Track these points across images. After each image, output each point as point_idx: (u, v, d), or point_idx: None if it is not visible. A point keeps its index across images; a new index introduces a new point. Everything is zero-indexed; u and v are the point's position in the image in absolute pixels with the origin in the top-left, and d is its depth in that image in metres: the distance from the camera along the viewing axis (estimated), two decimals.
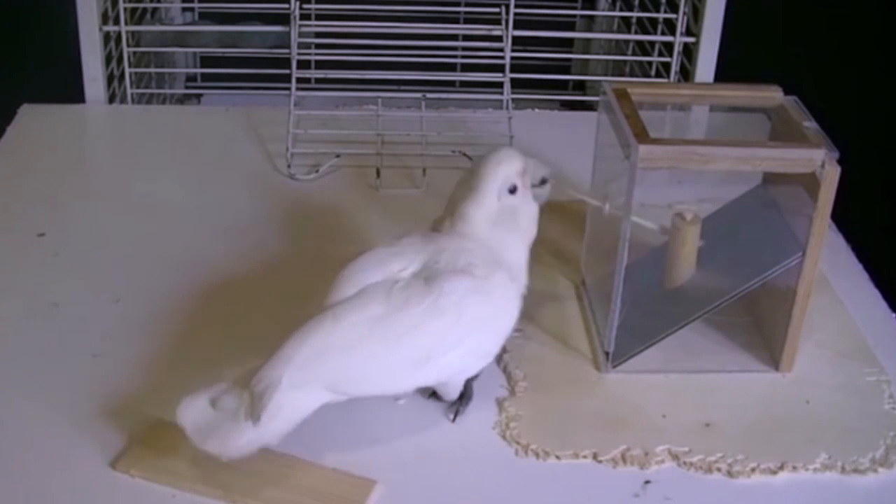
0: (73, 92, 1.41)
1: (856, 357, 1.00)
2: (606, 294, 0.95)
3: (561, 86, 1.72)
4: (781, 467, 0.87)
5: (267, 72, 1.49)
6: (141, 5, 1.52)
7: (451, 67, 1.57)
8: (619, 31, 1.67)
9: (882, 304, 1.08)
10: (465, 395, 0.92)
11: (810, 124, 0.94)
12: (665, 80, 1.46)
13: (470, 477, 0.86)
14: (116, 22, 1.42)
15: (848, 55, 1.73)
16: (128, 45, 1.44)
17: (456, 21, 1.68)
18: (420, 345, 0.85)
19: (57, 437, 0.87)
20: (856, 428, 0.92)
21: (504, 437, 0.89)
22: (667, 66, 1.47)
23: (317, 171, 1.27)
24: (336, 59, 1.45)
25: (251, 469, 0.83)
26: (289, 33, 1.38)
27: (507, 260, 0.91)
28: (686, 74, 1.47)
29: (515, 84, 1.39)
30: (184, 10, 1.69)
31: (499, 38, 1.40)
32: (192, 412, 0.82)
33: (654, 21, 1.51)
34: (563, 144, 1.31)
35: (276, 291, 1.03)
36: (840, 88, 1.66)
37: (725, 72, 1.44)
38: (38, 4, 1.69)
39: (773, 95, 0.99)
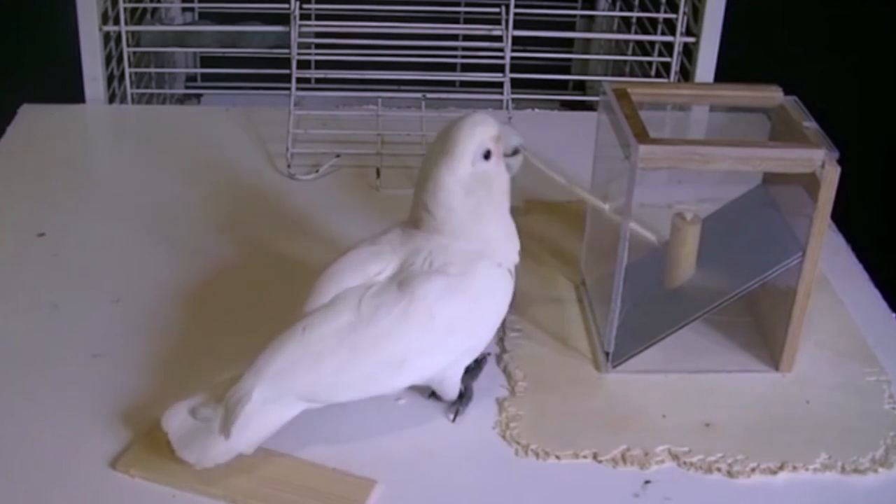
0: (73, 92, 1.41)
1: (856, 357, 1.00)
2: (606, 294, 0.95)
3: (561, 86, 1.72)
4: (781, 467, 0.87)
5: (267, 72, 1.49)
6: (141, 5, 1.52)
7: (451, 67, 1.57)
8: (619, 31, 1.67)
9: (882, 304, 1.08)
10: (465, 395, 0.92)
11: (810, 124, 0.94)
12: (665, 80, 1.46)
13: (470, 477, 0.86)
14: (116, 22, 1.42)
15: (848, 55, 1.73)
16: (128, 45, 1.44)
17: (456, 21, 1.68)
18: (392, 352, 0.84)
19: (57, 437, 0.87)
20: (856, 428, 0.92)
21: (504, 437, 0.89)
22: (667, 66, 1.47)
23: (317, 171, 1.27)
24: (336, 59, 1.45)
25: (251, 469, 0.83)
26: (289, 33, 1.38)
27: (487, 237, 0.89)
28: (686, 74, 1.47)
29: (515, 84, 1.39)
30: (184, 10, 1.69)
31: (499, 38, 1.40)
32: (176, 420, 0.83)
33: (654, 21, 1.51)
34: (563, 144, 1.31)
35: (277, 291, 1.03)
36: (840, 88, 1.66)
37: (725, 72, 1.44)
38: (38, 4, 1.69)
39: (773, 95, 0.99)
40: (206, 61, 1.72)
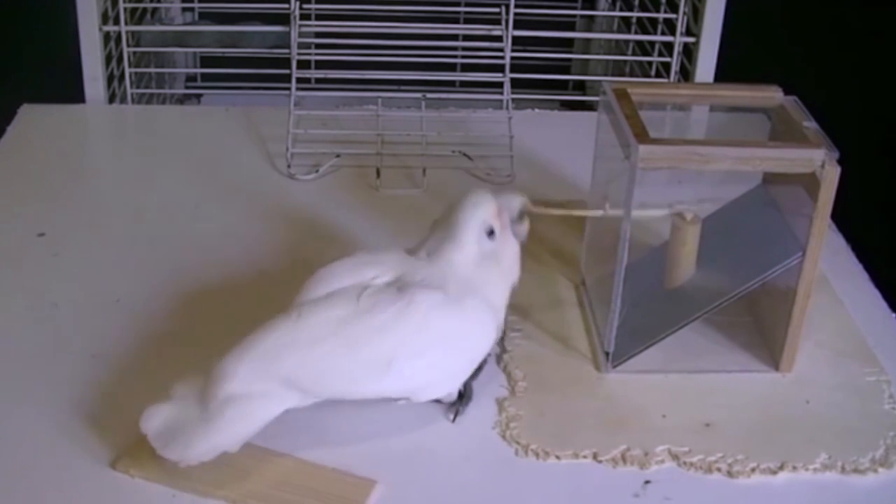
0: (73, 92, 1.41)
1: (856, 357, 1.00)
2: (606, 294, 0.95)
3: (561, 86, 1.72)
4: (781, 467, 0.87)
5: (267, 72, 1.49)
6: (141, 5, 1.52)
7: (451, 67, 1.57)
8: (619, 31, 1.67)
9: (882, 304, 1.08)
10: (465, 396, 0.92)
11: (810, 124, 0.94)
12: (665, 80, 1.46)
13: (470, 477, 0.86)
14: (116, 22, 1.42)
15: (848, 55, 1.73)
16: (128, 45, 1.44)
17: (456, 21, 1.68)
18: (382, 349, 0.84)
19: (57, 437, 0.87)
20: (856, 428, 0.92)
21: (504, 437, 0.89)
22: (667, 66, 1.47)
23: (317, 171, 1.27)
24: (336, 59, 1.45)
25: (251, 469, 0.83)
26: (289, 33, 1.38)
27: (487, 295, 0.90)
28: (686, 74, 1.47)
29: (515, 84, 1.39)
30: (184, 10, 1.69)
31: (499, 38, 1.40)
32: (155, 419, 0.82)
33: (654, 21, 1.51)
34: (563, 144, 1.32)
35: (277, 291, 1.03)
36: (840, 88, 1.66)
37: (725, 72, 1.44)
38: (38, 4, 1.69)
39: (773, 95, 0.99)
40: (206, 61, 1.72)
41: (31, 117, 1.36)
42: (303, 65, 1.39)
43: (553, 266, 1.10)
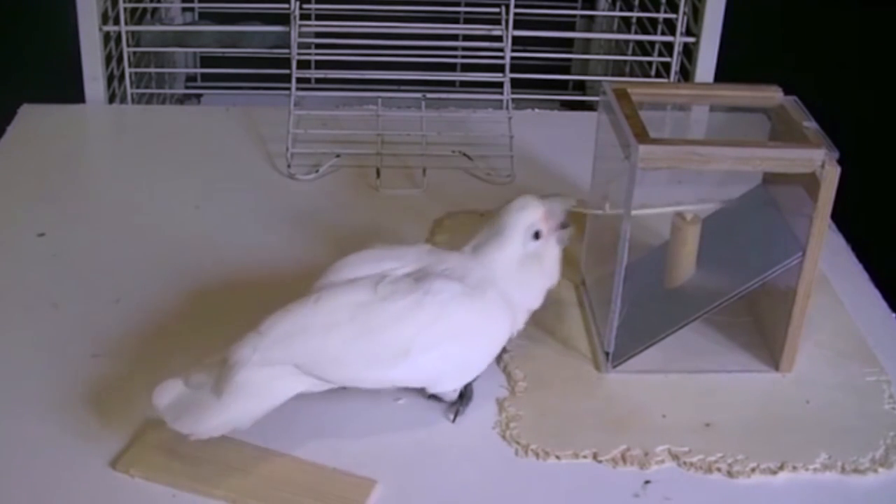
0: (73, 92, 1.41)
1: (856, 357, 1.00)
2: (606, 294, 0.95)
3: (561, 86, 1.72)
4: (781, 467, 0.87)
5: (267, 72, 1.49)
6: (141, 5, 1.52)
7: (451, 67, 1.57)
8: (619, 31, 1.67)
9: (882, 304, 1.08)
10: (465, 396, 0.92)
11: (810, 124, 0.94)
12: (665, 80, 1.46)
13: (470, 477, 0.86)
14: (116, 22, 1.42)
15: (848, 55, 1.73)
16: (128, 45, 1.44)
17: (456, 21, 1.68)
18: (399, 338, 0.85)
19: (57, 437, 0.87)
20: (856, 428, 0.92)
21: (504, 437, 0.89)
22: (667, 66, 1.47)
23: (317, 171, 1.27)
24: (336, 59, 1.45)
25: (251, 469, 0.83)
26: (289, 33, 1.38)
27: (515, 298, 0.92)
28: (686, 74, 1.47)
29: (515, 84, 1.39)
30: (184, 10, 1.69)
31: (499, 38, 1.40)
32: (168, 394, 0.83)
33: (654, 21, 1.51)
34: (563, 144, 1.32)
35: (276, 291, 1.03)
36: (840, 88, 1.66)
37: (725, 72, 1.44)
38: (38, 4, 1.69)
39: (773, 95, 0.99)
40: (206, 61, 1.72)
41: (31, 117, 1.36)
42: (303, 65, 1.39)
43: None
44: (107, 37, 1.41)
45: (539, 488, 0.85)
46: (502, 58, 1.39)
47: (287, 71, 1.36)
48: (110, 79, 1.43)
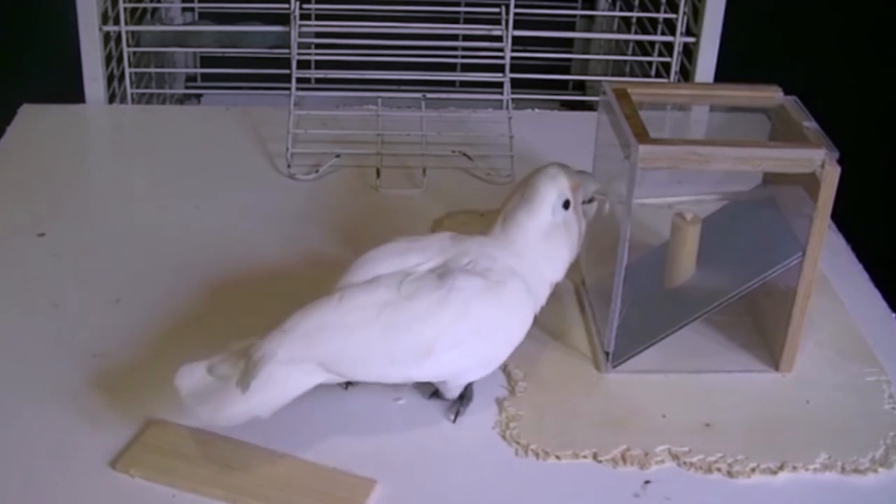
0: (73, 92, 1.41)
1: (856, 357, 1.00)
2: (606, 294, 0.95)
3: (561, 86, 1.72)
4: (781, 467, 0.87)
5: (267, 72, 1.49)
6: (141, 5, 1.52)
7: (451, 67, 1.57)
8: (619, 31, 1.67)
9: (882, 304, 1.08)
10: (466, 396, 0.92)
11: (810, 124, 0.94)
12: (665, 80, 1.46)
13: (470, 477, 0.86)
14: (116, 22, 1.42)
15: (848, 55, 1.73)
16: (128, 45, 1.44)
17: (456, 21, 1.68)
18: (423, 337, 0.85)
19: (57, 437, 0.87)
20: (856, 428, 0.92)
21: (504, 437, 0.89)
22: (667, 66, 1.47)
23: (317, 171, 1.27)
24: (336, 59, 1.45)
25: (251, 469, 0.83)
26: (289, 33, 1.38)
27: (539, 274, 0.92)
28: (686, 74, 1.47)
29: (515, 84, 1.39)
30: (184, 10, 1.69)
31: (499, 38, 1.40)
32: (190, 378, 0.83)
33: (654, 21, 1.51)
34: (563, 144, 1.31)
35: (276, 291, 1.03)
36: (840, 88, 1.66)
37: (725, 72, 1.44)
38: (38, 4, 1.69)
39: (773, 95, 0.99)
40: (206, 61, 1.72)
41: (31, 117, 1.36)
42: (303, 65, 1.39)
43: None
44: (107, 37, 1.41)
45: (539, 488, 0.85)
46: (502, 58, 1.39)
47: (287, 71, 1.36)
48: (110, 79, 1.43)
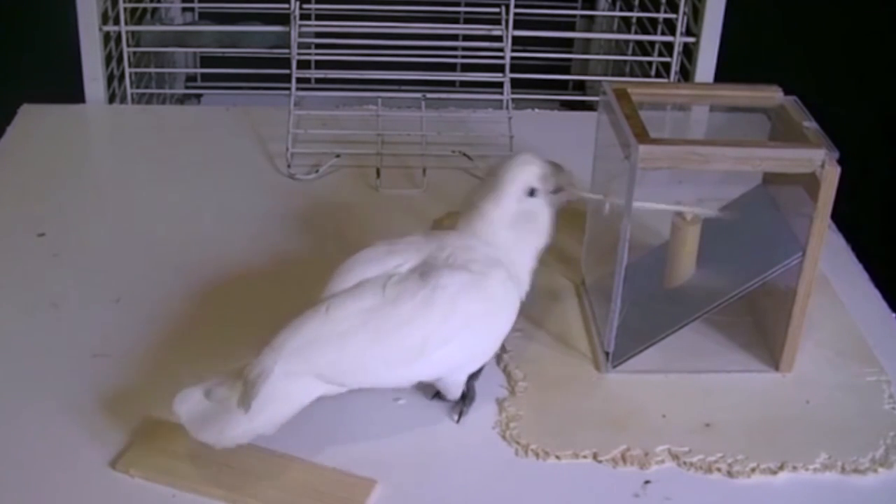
0: (73, 92, 1.41)
1: (856, 357, 1.00)
2: (606, 294, 0.95)
3: (561, 86, 1.72)
4: (781, 467, 0.87)
5: (267, 72, 1.49)
6: (141, 5, 1.52)
7: (451, 67, 1.57)
8: (619, 31, 1.67)
9: (882, 304, 1.08)
10: (468, 396, 0.92)
11: (810, 124, 0.94)
12: (665, 80, 1.46)
13: (470, 477, 0.86)
14: (116, 22, 1.42)
15: (848, 55, 1.73)
16: (128, 45, 1.44)
17: (456, 21, 1.68)
18: (413, 338, 0.85)
19: (57, 437, 0.87)
20: (856, 428, 0.92)
21: (504, 437, 0.89)
22: (667, 66, 1.47)
23: (317, 171, 1.27)
24: (336, 59, 1.45)
25: (251, 469, 0.83)
26: (289, 33, 1.38)
27: (514, 262, 0.92)
28: (686, 74, 1.47)
29: (515, 84, 1.39)
30: (184, 10, 1.69)
31: (499, 38, 1.40)
32: (189, 403, 0.83)
33: (654, 21, 1.51)
34: (563, 144, 1.31)
35: (276, 291, 1.03)
36: (840, 88, 1.66)
37: (725, 72, 1.44)
38: (38, 4, 1.69)
39: (773, 95, 0.99)
40: (206, 61, 1.72)
41: (31, 117, 1.36)
42: (303, 65, 1.39)
43: (553, 266, 1.10)
44: (107, 37, 1.41)
45: (539, 488, 0.85)
46: (502, 58, 1.39)
47: (287, 71, 1.36)
48: (110, 79, 1.43)
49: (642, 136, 0.90)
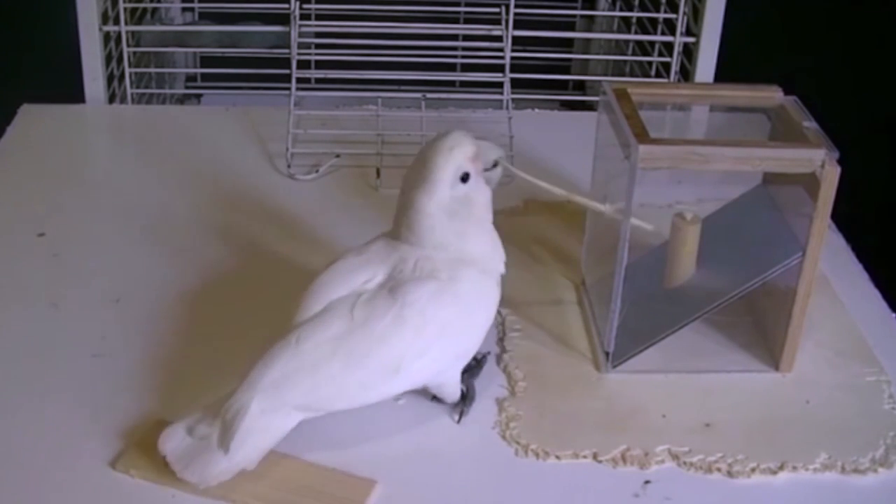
0: (73, 92, 1.41)
1: (856, 357, 1.00)
2: (606, 294, 0.95)
3: (561, 86, 1.72)
4: (781, 467, 0.87)
5: (267, 72, 1.49)
6: (141, 5, 1.52)
7: (451, 67, 1.57)
8: (619, 31, 1.67)
9: (882, 304, 1.08)
10: (468, 396, 0.92)
11: (810, 124, 0.94)
12: (665, 80, 1.46)
13: (470, 477, 0.86)
14: (116, 22, 1.42)
15: (848, 55, 1.73)
16: (128, 45, 1.44)
17: (456, 21, 1.68)
18: (387, 358, 0.84)
19: (57, 437, 0.87)
20: (856, 428, 0.92)
21: (504, 437, 0.89)
22: (667, 66, 1.47)
23: (317, 171, 1.27)
24: (336, 59, 1.45)
25: (251, 469, 0.83)
26: (289, 33, 1.38)
27: (471, 252, 0.89)
28: (686, 74, 1.47)
29: (515, 84, 1.39)
30: (184, 10, 1.69)
31: (499, 38, 1.40)
32: (173, 441, 0.83)
33: (654, 21, 1.51)
34: (563, 144, 1.32)
35: (276, 291, 1.03)
36: (840, 88, 1.66)
37: (725, 72, 1.44)
38: (38, 4, 1.69)
39: (773, 95, 0.99)
40: (206, 61, 1.72)
41: (31, 117, 1.36)
42: (303, 65, 1.39)
43: (553, 266, 1.11)
44: (107, 37, 1.41)
45: (539, 488, 0.85)
46: (502, 58, 1.39)
47: (287, 71, 1.36)
48: (110, 79, 1.43)
49: (642, 136, 0.90)
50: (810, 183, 0.91)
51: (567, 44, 1.72)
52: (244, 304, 1.03)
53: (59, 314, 1.02)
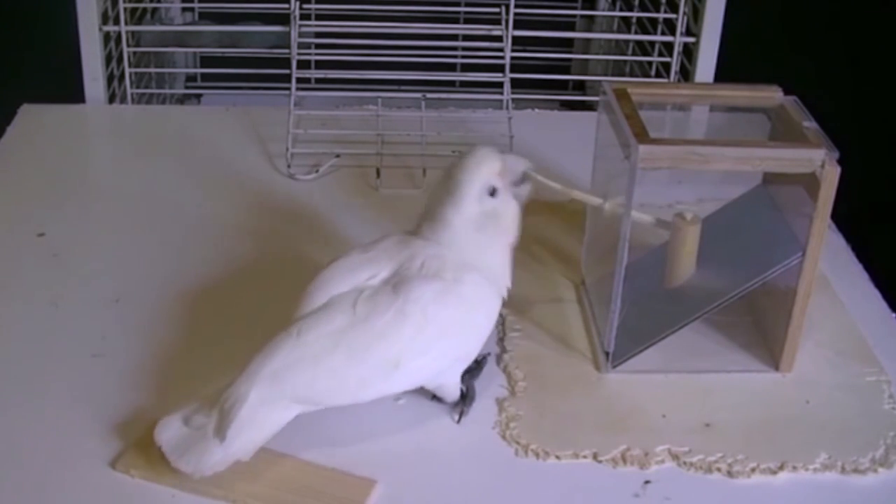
0: (73, 92, 1.41)
1: (856, 357, 1.00)
2: (606, 294, 0.95)
3: (561, 86, 1.72)
4: (781, 467, 0.87)
5: (267, 72, 1.49)
6: (141, 5, 1.52)
7: (451, 67, 1.57)
8: (619, 31, 1.67)
9: (882, 304, 1.08)
10: (468, 396, 0.92)
11: (810, 124, 0.94)
12: (665, 80, 1.46)
13: (470, 477, 0.86)
14: (116, 22, 1.42)
15: (848, 55, 1.73)
16: (128, 45, 1.44)
17: (456, 21, 1.68)
18: (387, 353, 0.84)
19: (57, 437, 0.87)
20: (856, 428, 0.92)
21: (504, 437, 0.89)
22: (667, 66, 1.47)
23: (317, 171, 1.27)
24: (336, 59, 1.45)
25: (251, 469, 0.83)
26: (289, 33, 1.38)
27: (487, 264, 0.90)
28: (686, 74, 1.47)
29: (515, 84, 1.39)
30: (184, 10, 1.69)
31: (499, 38, 1.40)
32: (169, 431, 0.83)
33: (654, 21, 1.51)
34: (563, 144, 1.32)
35: (276, 291, 1.03)
36: (840, 88, 1.66)
37: (725, 72, 1.44)
38: (38, 4, 1.69)
39: (773, 95, 0.99)
40: (206, 61, 1.72)
41: (31, 117, 1.36)
42: (303, 65, 1.39)
43: (553, 266, 1.11)
44: (107, 37, 1.41)
45: (539, 488, 0.85)
46: (502, 58, 1.39)
47: (287, 71, 1.36)
48: (110, 79, 1.43)
49: (642, 136, 0.90)
50: (810, 183, 0.91)
51: (567, 44, 1.72)
52: (244, 304, 1.03)
53: (59, 314, 1.02)
